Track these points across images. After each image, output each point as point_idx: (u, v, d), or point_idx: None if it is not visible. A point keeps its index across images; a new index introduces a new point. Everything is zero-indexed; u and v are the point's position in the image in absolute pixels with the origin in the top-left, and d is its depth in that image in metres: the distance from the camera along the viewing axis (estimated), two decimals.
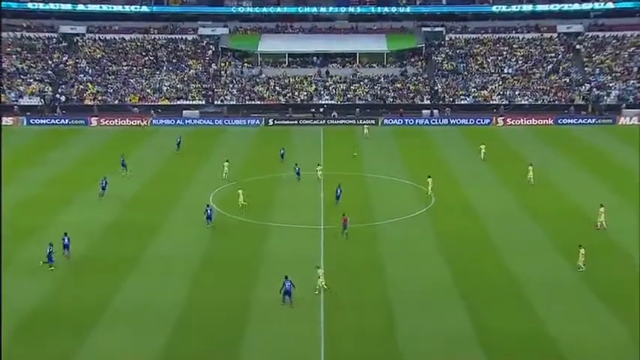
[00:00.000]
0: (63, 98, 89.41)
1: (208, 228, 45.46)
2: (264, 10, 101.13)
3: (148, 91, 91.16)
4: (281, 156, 64.47)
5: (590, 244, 40.83)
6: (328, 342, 31.18)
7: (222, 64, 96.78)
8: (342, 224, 43.74)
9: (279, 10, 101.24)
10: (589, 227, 45.33)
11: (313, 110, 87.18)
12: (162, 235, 44.74)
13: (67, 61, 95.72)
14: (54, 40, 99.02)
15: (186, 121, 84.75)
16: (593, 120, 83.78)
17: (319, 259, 40.01)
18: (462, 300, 35.07)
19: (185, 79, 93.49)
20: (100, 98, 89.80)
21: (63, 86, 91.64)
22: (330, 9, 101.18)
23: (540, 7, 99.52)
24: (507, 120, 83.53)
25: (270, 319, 33.22)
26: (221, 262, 40.45)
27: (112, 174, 55.63)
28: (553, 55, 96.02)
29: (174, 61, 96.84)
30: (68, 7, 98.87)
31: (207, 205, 46.95)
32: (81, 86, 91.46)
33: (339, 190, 50.79)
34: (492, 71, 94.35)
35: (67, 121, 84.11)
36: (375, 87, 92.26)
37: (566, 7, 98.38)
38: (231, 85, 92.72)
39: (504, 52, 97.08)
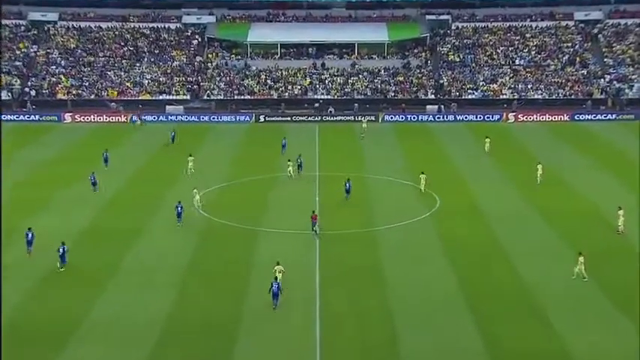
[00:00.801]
0: (33, 92, 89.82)
1: (178, 226, 46.79)
2: None
3: (128, 84, 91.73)
4: (282, 146, 66.28)
5: (607, 249, 41.64)
6: (325, 356, 31.53)
7: (209, 56, 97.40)
8: (312, 222, 45.33)
9: None
10: (605, 230, 45.98)
11: (315, 105, 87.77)
12: (144, 239, 45.33)
13: (37, 51, 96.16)
14: (22, 27, 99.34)
15: (169, 117, 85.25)
16: (614, 115, 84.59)
17: (314, 266, 40.70)
18: (470, 311, 35.49)
19: (168, 71, 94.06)
20: (74, 92, 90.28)
21: (33, 79, 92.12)
22: None
23: None
24: (519, 116, 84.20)
25: (262, 331, 33.60)
26: (208, 269, 40.93)
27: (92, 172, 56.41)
28: (569, 44, 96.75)
29: (156, 52, 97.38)
30: None
31: (179, 202, 47.75)
32: (53, 79, 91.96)
33: (348, 185, 51.88)
34: (503, 63, 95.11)
35: (38, 117, 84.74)
36: (375, 80, 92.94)
37: None
38: (218, 79, 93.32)
39: (516, 42, 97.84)
